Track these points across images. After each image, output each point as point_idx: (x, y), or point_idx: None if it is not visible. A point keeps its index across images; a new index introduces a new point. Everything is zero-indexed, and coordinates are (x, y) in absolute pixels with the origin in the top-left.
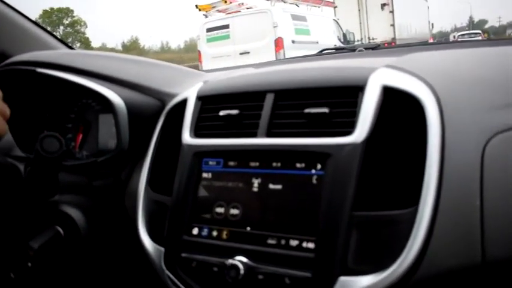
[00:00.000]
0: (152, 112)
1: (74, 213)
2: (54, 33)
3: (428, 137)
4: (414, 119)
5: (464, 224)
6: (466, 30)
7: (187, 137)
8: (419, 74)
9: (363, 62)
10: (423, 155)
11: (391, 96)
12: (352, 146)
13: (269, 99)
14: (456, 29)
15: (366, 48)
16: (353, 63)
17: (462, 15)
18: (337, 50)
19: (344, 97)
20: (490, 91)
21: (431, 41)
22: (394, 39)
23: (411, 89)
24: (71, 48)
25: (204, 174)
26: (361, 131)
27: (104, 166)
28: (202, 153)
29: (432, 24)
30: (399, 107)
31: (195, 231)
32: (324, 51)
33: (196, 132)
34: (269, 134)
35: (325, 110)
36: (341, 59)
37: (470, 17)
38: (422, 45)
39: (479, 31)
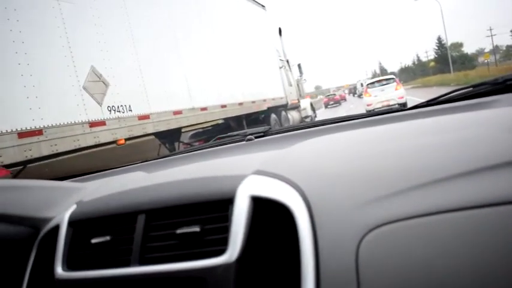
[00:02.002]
0: (24, 241)
1: None
2: None
3: (300, 247)
4: (287, 225)
5: None
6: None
7: (59, 271)
8: (290, 176)
9: (240, 163)
10: (299, 263)
11: (262, 205)
12: (225, 266)
13: (140, 221)
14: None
15: (255, 134)
16: (231, 164)
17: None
18: (230, 137)
19: (214, 211)
20: (362, 185)
21: (307, 98)
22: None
23: (279, 197)
24: None
25: None
26: (233, 248)
27: None
28: None
29: (304, 79)
30: (271, 214)
31: None
32: (219, 138)
33: (70, 263)
34: (142, 261)
35: (197, 229)
36: (226, 153)
37: (379, 62)
38: (309, 127)
39: (393, 76)
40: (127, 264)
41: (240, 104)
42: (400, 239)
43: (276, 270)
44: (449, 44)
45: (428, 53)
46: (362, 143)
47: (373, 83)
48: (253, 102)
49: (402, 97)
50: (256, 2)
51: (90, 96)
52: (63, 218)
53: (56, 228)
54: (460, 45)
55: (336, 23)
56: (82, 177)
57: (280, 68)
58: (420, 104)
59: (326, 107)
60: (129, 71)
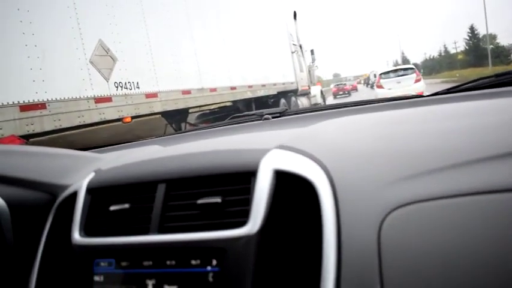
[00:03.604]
0: (41, 207)
1: None
2: None
3: (323, 222)
4: (309, 201)
5: None
6: (394, 67)
7: (77, 236)
8: (313, 153)
9: (260, 139)
10: (320, 240)
11: (285, 179)
12: (246, 238)
13: (160, 190)
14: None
15: (272, 114)
16: (250, 140)
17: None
18: (246, 116)
19: (236, 184)
20: (386, 164)
21: (317, 86)
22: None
23: (303, 172)
24: None
25: (96, 278)
26: (254, 221)
27: None
28: (93, 254)
29: (316, 66)
30: (293, 189)
31: None
32: (233, 117)
33: (87, 229)
34: (161, 230)
35: (218, 199)
36: (244, 131)
37: (402, 52)
38: (328, 109)
39: (412, 66)
40: (146, 232)
41: (250, 86)
42: (423, 219)
43: (297, 245)
44: (481, 35)
45: (457, 43)
46: (384, 124)
47: (387, 72)
48: (263, 85)
49: (422, 92)
50: None
51: (97, 70)
52: (81, 185)
53: (74, 195)
54: (494, 37)
55: (358, 9)
56: (100, 149)
57: (293, 52)
58: (441, 91)
59: (335, 97)
60: (138, 47)
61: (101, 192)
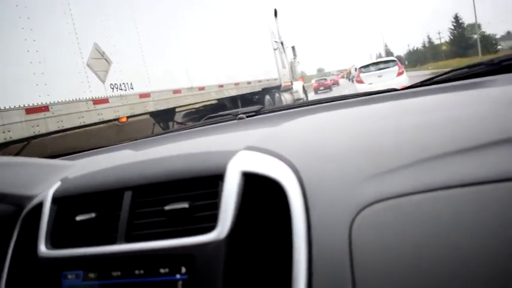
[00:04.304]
0: (7, 219)
1: None
2: None
3: (292, 223)
4: (279, 202)
5: None
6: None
7: (43, 249)
8: (282, 153)
9: (231, 140)
10: (291, 241)
11: (254, 181)
12: (215, 244)
13: (127, 197)
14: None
15: (247, 113)
16: (221, 142)
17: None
18: (221, 116)
19: (204, 188)
20: (356, 162)
21: (299, 81)
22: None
23: (271, 173)
24: None
25: None
26: (223, 225)
27: None
28: (60, 266)
29: (298, 62)
30: (263, 191)
31: None
32: (209, 117)
33: (54, 241)
34: (129, 238)
35: (185, 205)
36: (217, 131)
37: (385, 45)
38: (303, 106)
39: (393, 58)
40: (113, 241)
41: (236, 84)
42: (394, 216)
43: (267, 248)
44: (465, 25)
45: (441, 34)
46: (356, 121)
47: (367, 66)
48: (249, 83)
49: (406, 86)
50: None
51: (94, 73)
52: (46, 194)
53: (40, 206)
54: (479, 26)
55: (341, 2)
56: (71, 155)
57: (275, 50)
58: (414, 84)
59: (316, 92)
60: (130, 49)
61: (67, 202)
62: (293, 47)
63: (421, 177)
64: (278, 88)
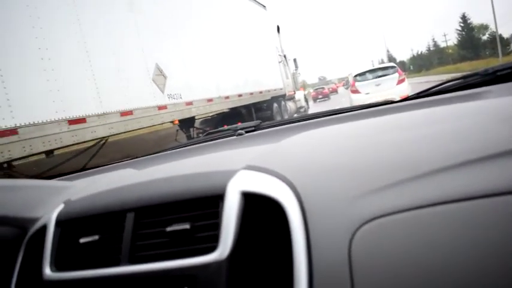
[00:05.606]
0: (11, 242)
1: None
2: None
3: (292, 241)
4: (279, 220)
5: None
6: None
7: (47, 272)
8: (280, 171)
9: (230, 158)
10: (291, 259)
11: (254, 200)
12: (217, 264)
13: (129, 219)
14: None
15: (246, 129)
16: (220, 160)
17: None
18: (220, 132)
19: (205, 208)
20: (353, 178)
21: (301, 91)
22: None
23: (270, 192)
24: None
25: None
26: (224, 245)
27: None
28: None
29: (299, 73)
30: (263, 210)
31: None
32: (209, 133)
33: (58, 263)
34: (132, 260)
35: (187, 226)
36: (217, 148)
37: (387, 50)
38: (300, 120)
39: (393, 64)
40: (117, 263)
41: (251, 94)
42: (393, 232)
43: (268, 267)
44: (473, 25)
45: (447, 36)
46: (353, 136)
47: (363, 73)
48: (260, 92)
49: (407, 96)
50: (257, 2)
51: (156, 86)
52: (50, 217)
53: (44, 228)
54: (486, 27)
55: (341, 9)
56: (70, 175)
57: (279, 62)
58: (411, 96)
59: (315, 101)
60: (178, 66)
61: (71, 224)
62: (294, 60)
63: (420, 192)
64: (283, 97)
